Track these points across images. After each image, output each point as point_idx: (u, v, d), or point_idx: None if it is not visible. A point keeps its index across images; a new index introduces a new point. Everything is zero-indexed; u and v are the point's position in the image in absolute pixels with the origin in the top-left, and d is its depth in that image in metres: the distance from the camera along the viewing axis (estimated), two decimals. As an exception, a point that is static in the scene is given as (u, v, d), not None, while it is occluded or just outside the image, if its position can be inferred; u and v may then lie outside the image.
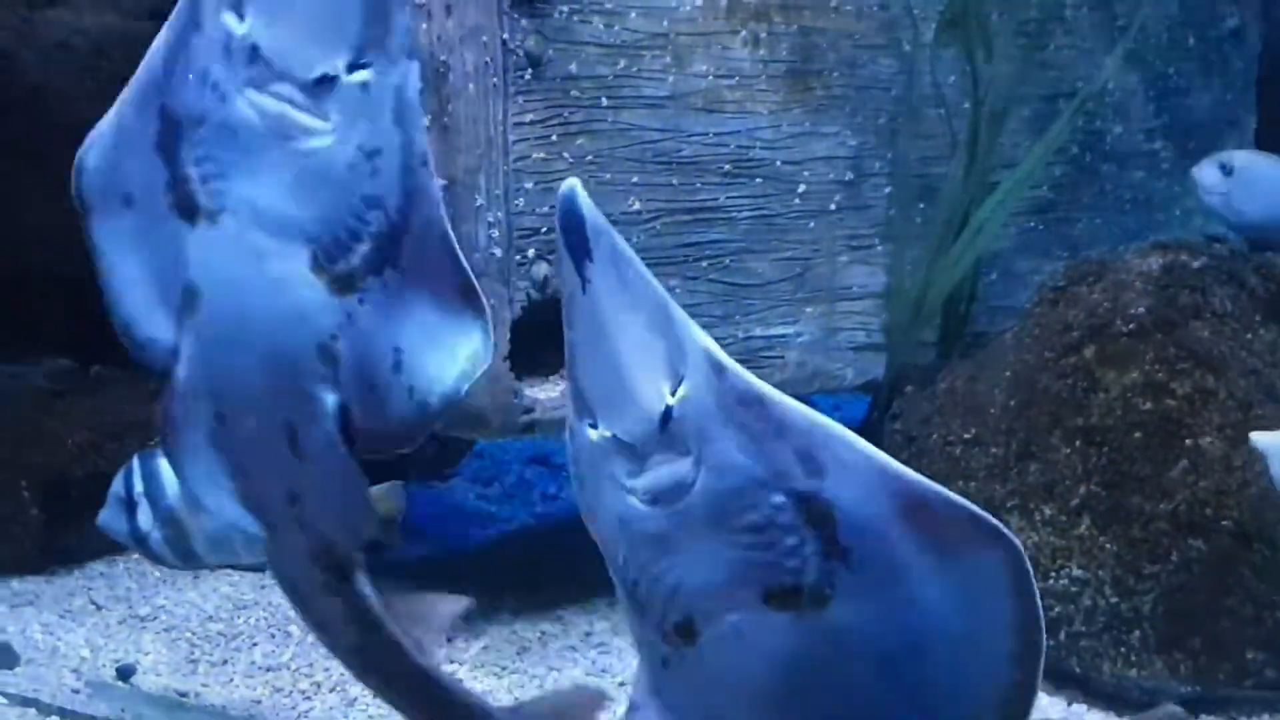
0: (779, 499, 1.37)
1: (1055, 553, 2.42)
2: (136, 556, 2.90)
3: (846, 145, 2.83)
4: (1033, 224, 3.16)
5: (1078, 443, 2.45)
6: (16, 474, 2.78)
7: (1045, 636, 1.41)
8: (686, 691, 1.46)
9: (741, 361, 2.66)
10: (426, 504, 3.25)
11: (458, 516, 3.34)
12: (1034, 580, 1.39)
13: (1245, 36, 3.57)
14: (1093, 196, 3.26)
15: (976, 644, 1.40)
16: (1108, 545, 2.38)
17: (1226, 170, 2.87)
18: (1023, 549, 1.39)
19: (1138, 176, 3.34)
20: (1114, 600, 2.36)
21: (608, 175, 2.48)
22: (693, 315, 2.64)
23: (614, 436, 1.37)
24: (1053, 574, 2.41)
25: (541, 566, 2.96)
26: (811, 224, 2.81)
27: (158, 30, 2.85)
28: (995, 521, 1.39)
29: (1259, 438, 2.14)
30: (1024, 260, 3.14)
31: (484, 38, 2.30)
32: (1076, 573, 2.40)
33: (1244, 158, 2.90)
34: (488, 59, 2.32)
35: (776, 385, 2.72)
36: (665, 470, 1.37)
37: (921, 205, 2.93)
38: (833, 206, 2.83)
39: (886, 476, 1.37)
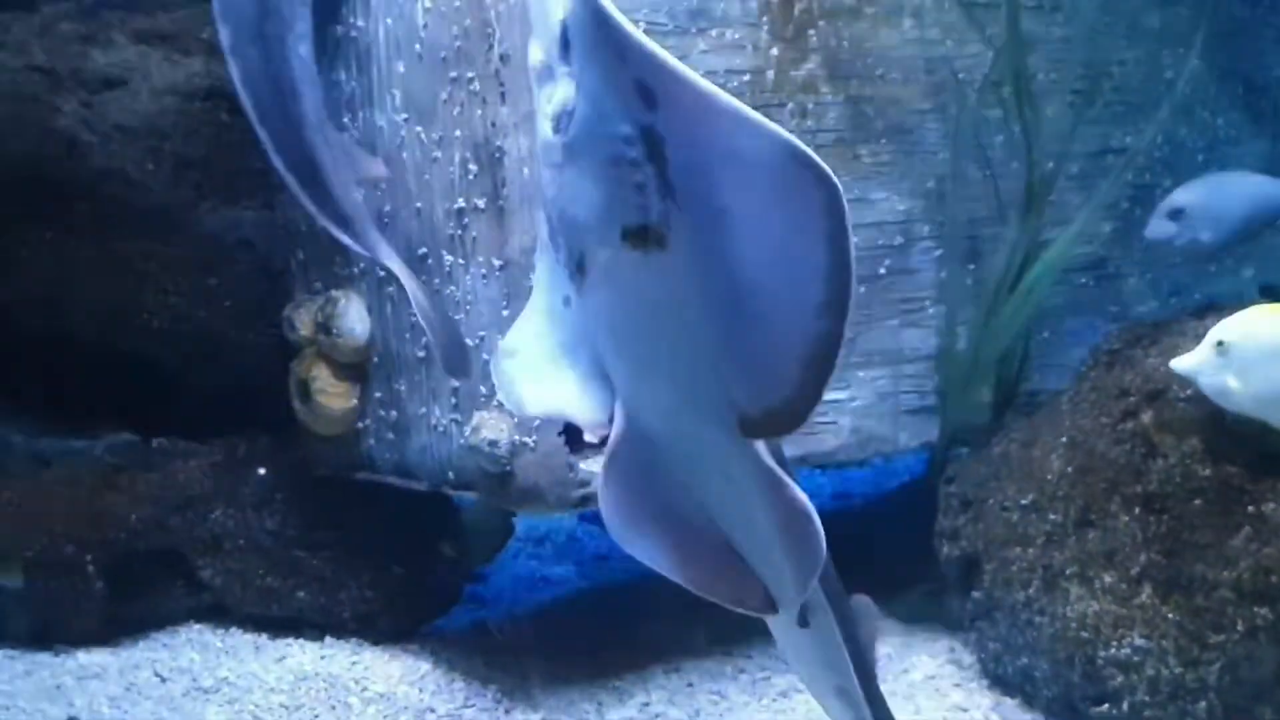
0: (626, 130, 1.35)
1: (1117, 621, 2.40)
2: (199, 627, 2.95)
3: (895, 210, 2.84)
4: (1084, 280, 3.15)
5: (1137, 510, 2.43)
6: (81, 549, 2.84)
7: (855, 287, 1.35)
8: (575, 331, 1.52)
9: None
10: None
11: (508, 577, 3.35)
12: (849, 228, 1.32)
13: (1293, 84, 3.55)
14: (1144, 252, 3.24)
15: (792, 289, 1.35)
16: (1170, 614, 2.35)
17: (1175, 215, 2.88)
18: (842, 192, 1.32)
19: (1188, 229, 3.32)
20: (1178, 670, 2.33)
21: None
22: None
23: (542, 61, 1.42)
24: (1114, 643, 2.39)
25: (594, 632, 2.96)
26: (862, 289, 2.81)
27: (214, 111, 2.93)
28: (818, 161, 1.31)
29: (1178, 364, 2.31)
30: (1076, 317, 3.12)
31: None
32: (1139, 642, 2.37)
33: (1187, 196, 2.92)
34: (541, 142, 2.36)
35: (830, 451, 2.84)
36: (560, 91, 1.40)
37: (972, 267, 2.93)
38: (882, 271, 2.84)
39: (713, 111, 1.32)
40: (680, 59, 2.49)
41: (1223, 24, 3.40)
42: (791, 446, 2.71)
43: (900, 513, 3.34)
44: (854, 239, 1.35)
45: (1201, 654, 2.32)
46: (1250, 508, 2.36)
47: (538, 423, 2.39)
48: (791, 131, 2.62)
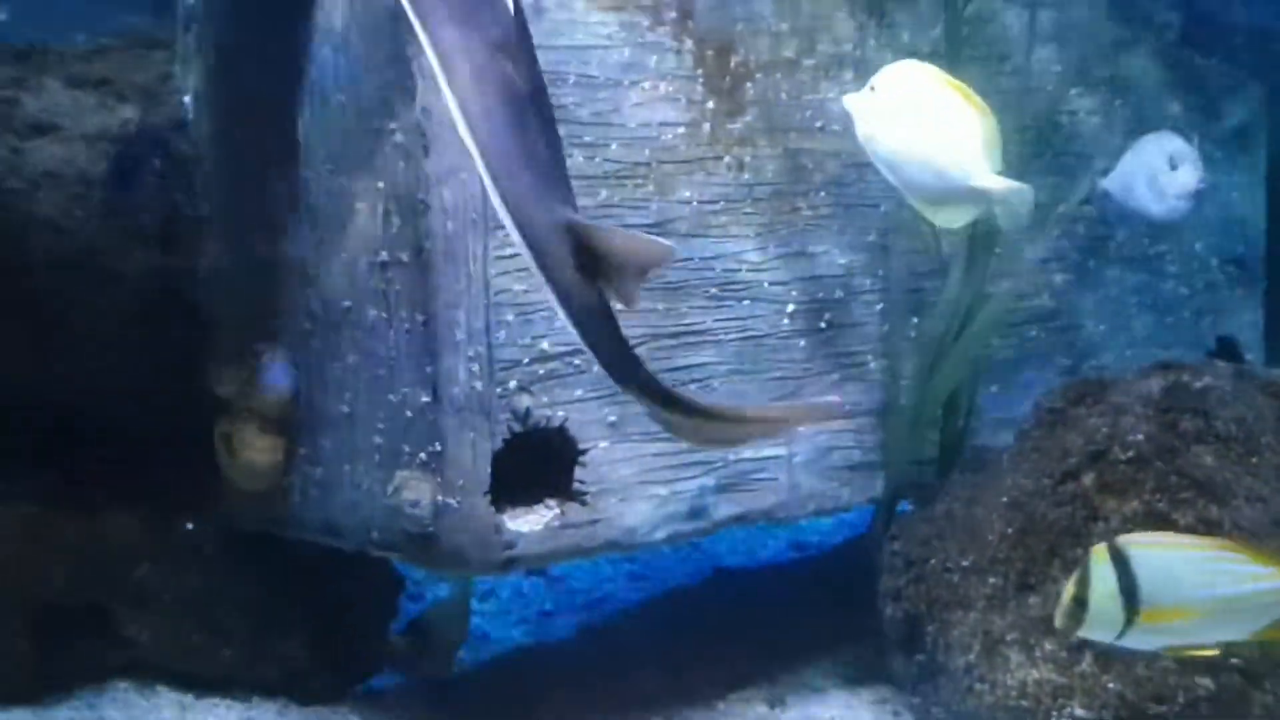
0: None
1: (1057, 691, 2.33)
2: (125, 685, 2.88)
3: (835, 264, 2.79)
4: (1034, 333, 3.10)
5: (1077, 575, 2.37)
6: (3, 604, 2.76)
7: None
8: None
9: (731, 484, 2.70)
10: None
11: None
12: None
13: (1251, 134, 3.52)
14: (1096, 303, 3.20)
15: None
16: (1110, 684, 2.29)
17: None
18: None
19: (1142, 280, 3.28)
20: (1119, 741, 2.27)
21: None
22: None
23: None
24: (1054, 713, 2.32)
25: (538, 694, 2.89)
26: (802, 343, 2.76)
27: (147, 159, 2.88)
28: None
29: (848, 100, 2.35)
30: (1027, 370, 3.07)
31: (463, 175, 2.29)
32: (1080, 713, 2.30)
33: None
34: (467, 196, 2.31)
35: (769, 508, 2.77)
36: None
37: (915, 320, 2.89)
38: (823, 325, 2.78)
39: None
40: (611, 112, 2.49)
41: (1180, 75, 3.39)
42: (728, 504, 2.71)
43: (857, 563, 3.28)
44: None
45: (1143, 725, 2.26)
46: (1192, 574, 2.30)
47: (461, 483, 2.33)
48: (729, 185, 2.65)
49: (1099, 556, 1.84)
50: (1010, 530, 2.49)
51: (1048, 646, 2.37)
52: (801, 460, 2.77)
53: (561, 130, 2.35)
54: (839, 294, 2.80)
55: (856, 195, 2.82)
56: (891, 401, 2.85)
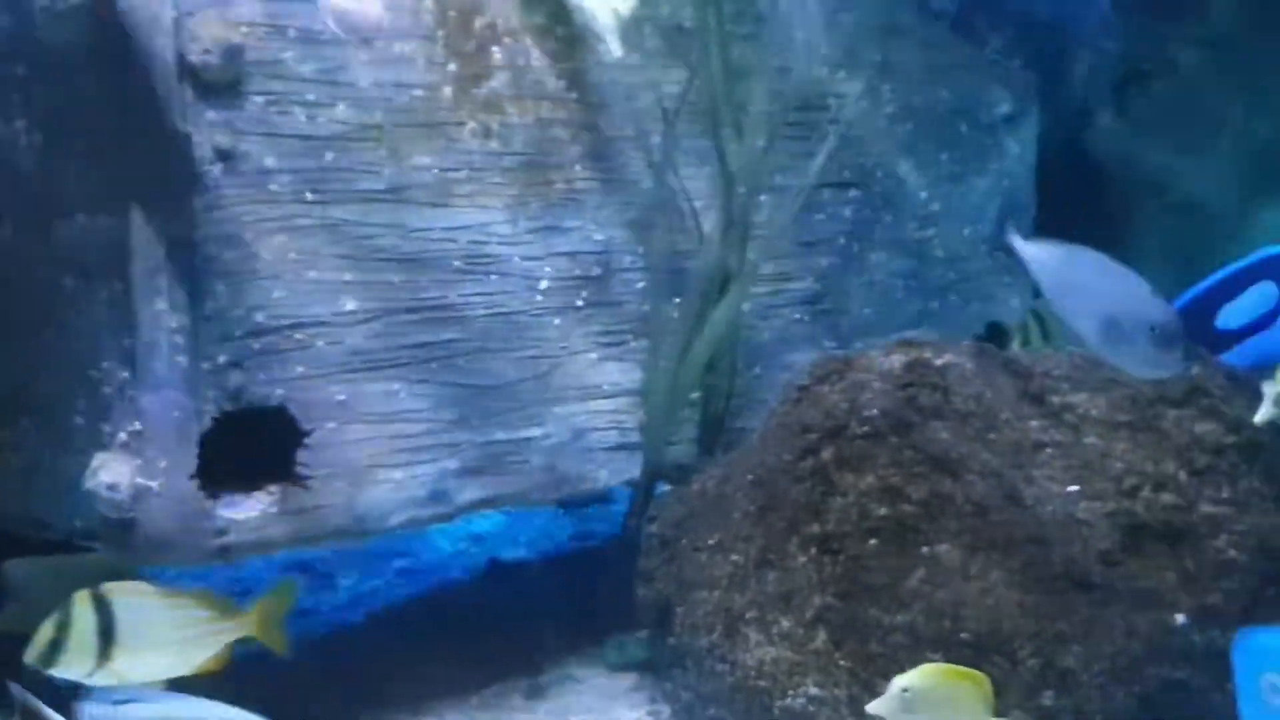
0: None
1: (792, 669, 2.29)
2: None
3: (592, 239, 2.72)
4: (799, 316, 3.09)
5: (813, 550, 2.34)
6: None
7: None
8: None
9: (478, 468, 2.59)
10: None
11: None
12: None
13: (1020, 122, 3.59)
14: (862, 287, 3.20)
15: None
16: (842, 661, 2.26)
17: None
18: None
19: (910, 265, 3.30)
20: (852, 720, 2.25)
21: (314, 274, 2.32)
22: (424, 420, 2.52)
23: None
24: (790, 692, 2.29)
25: (277, 697, 2.72)
26: (557, 321, 2.68)
27: None
28: None
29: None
30: (792, 353, 3.06)
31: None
32: (813, 691, 2.27)
33: None
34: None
35: (523, 490, 2.67)
36: None
37: (677, 300, 2.84)
38: (580, 303, 2.71)
39: None
40: (338, 69, 2.36)
41: (949, 61, 3.43)
42: (474, 488, 2.60)
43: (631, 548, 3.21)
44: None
45: (873, 702, 2.24)
46: (924, 548, 2.29)
47: (164, 465, 2.17)
48: (475, 153, 2.55)
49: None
50: (753, 507, 2.45)
51: (784, 624, 2.33)
52: (555, 442, 2.69)
53: (279, 86, 2.22)
54: (597, 271, 2.73)
55: (616, 170, 2.75)
56: (650, 382, 2.79)
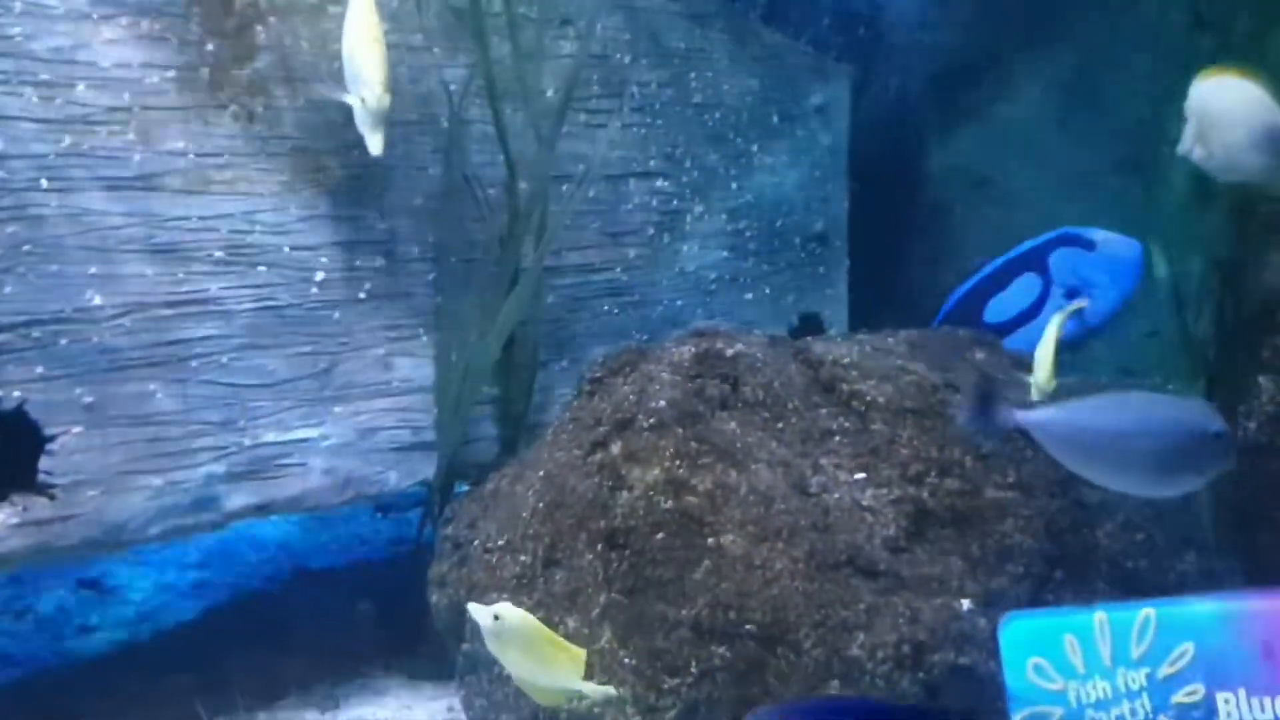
0: None
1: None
2: None
3: (375, 229, 2.60)
4: (608, 308, 3.01)
5: (600, 546, 2.26)
6: None
7: None
8: None
9: (248, 472, 2.44)
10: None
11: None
12: None
13: (833, 113, 3.58)
14: (673, 278, 3.14)
15: None
16: (627, 659, 2.18)
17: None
18: None
19: (721, 256, 3.26)
20: None
21: (55, 266, 2.15)
22: (183, 422, 2.36)
23: None
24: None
25: None
26: (337, 315, 2.54)
27: None
28: None
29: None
30: (599, 346, 2.97)
31: None
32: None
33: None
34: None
35: (297, 496, 2.52)
36: None
37: (472, 292, 2.73)
38: (363, 295, 2.58)
39: None
40: (76, 48, 2.19)
41: (759, 51, 3.40)
42: (245, 494, 2.45)
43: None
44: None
45: (658, 700, 2.16)
46: (710, 540, 2.22)
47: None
48: (236, 137, 2.40)
49: None
50: (542, 505, 2.36)
51: (571, 624, 2.24)
52: (337, 443, 2.55)
53: (8, 65, 2.05)
54: (380, 261, 2.61)
55: (401, 155, 2.63)
56: (443, 378, 2.68)
